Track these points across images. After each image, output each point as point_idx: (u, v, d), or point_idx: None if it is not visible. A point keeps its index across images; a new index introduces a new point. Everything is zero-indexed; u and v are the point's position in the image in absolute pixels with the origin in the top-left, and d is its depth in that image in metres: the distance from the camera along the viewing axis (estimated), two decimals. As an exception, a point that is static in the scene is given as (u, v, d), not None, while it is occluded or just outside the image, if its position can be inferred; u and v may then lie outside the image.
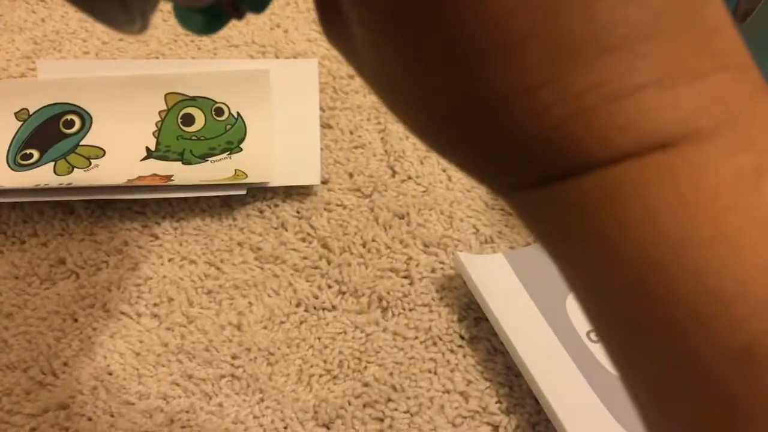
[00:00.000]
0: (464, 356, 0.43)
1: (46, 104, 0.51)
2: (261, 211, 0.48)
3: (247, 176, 0.48)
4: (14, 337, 0.42)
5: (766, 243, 0.14)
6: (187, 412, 0.40)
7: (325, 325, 0.43)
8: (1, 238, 0.47)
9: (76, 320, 0.43)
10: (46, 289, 0.45)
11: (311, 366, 0.42)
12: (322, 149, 0.51)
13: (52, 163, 0.49)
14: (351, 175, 0.50)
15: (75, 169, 0.49)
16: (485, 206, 0.49)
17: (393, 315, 0.44)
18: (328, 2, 0.17)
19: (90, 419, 0.40)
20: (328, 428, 0.40)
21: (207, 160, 0.50)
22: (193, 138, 0.51)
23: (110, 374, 0.41)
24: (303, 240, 0.47)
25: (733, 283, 0.14)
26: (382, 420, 0.40)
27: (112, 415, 0.40)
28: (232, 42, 0.57)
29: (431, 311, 0.45)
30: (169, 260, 0.46)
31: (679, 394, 0.15)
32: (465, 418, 0.40)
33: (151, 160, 0.50)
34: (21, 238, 0.47)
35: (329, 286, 0.45)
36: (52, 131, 0.51)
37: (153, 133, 0.51)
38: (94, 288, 0.44)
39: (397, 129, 0.53)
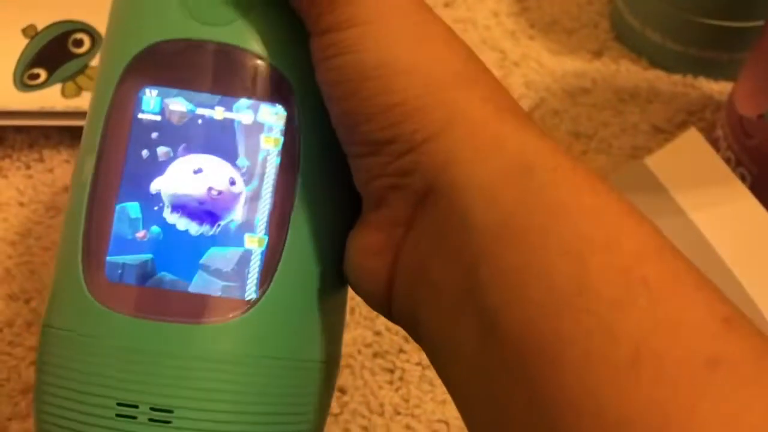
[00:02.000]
0: (482, 308, 0.41)
1: (54, 21, 0.49)
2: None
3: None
4: (17, 267, 0.41)
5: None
6: (190, 354, 0.38)
7: (337, 270, 0.42)
8: (7, 162, 0.45)
9: (80, 252, 0.42)
10: (51, 217, 0.43)
11: (321, 311, 0.40)
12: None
13: (60, 84, 0.47)
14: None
15: (83, 92, 0.46)
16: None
17: (409, 261, 0.42)
18: None
19: (91, 356, 0.38)
20: (335, 377, 0.38)
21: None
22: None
23: (113, 310, 0.40)
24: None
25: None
26: (392, 371, 0.38)
27: (113, 353, 0.38)
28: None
29: (450, 259, 0.42)
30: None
31: None
32: (479, 373, 0.39)
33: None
34: (26, 163, 0.45)
35: (344, 228, 0.43)
36: (60, 50, 0.48)
37: (166, 56, 0.48)
38: (100, 219, 0.43)
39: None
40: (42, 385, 0.23)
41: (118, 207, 0.23)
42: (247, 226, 0.23)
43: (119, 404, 0.22)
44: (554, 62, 0.50)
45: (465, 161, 0.20)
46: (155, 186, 0.23)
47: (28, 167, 0.45)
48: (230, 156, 0.23)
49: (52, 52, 0.48)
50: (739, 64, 0.44)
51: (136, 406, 0.22)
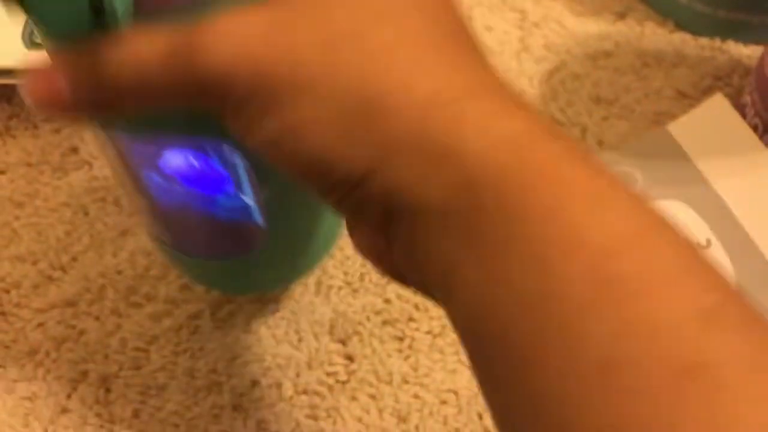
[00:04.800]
0: (495, 277, 0.40)
1: (63, -22, 0.48)
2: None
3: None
4: (24, 228, 0.41)
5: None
6: (196, 318, 0.38)
7: (346, 236, 0.41)
8: (14, 121, 0.44)
9: (87, 213, 0.41)
10: (57, 178, 0.42)
11: (331, 277, 0.39)
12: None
13: (69, 43, 0.46)
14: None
15: (92, 51, 0.45)
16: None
17: (422, 227, 0.41)
18: None
19: (97, 318, 0.38)
20: (344, 344, 0.38)
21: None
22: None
23: (119, 273, 0.39)
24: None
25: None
26: (401, 339, 0.38)
27: (119, 316, 0.38)
28: None
29: (463, 226, 0.41)
30: (187, 155, 0.43)
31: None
32: (491, 343, 0.38)
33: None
34: (34, 122, 0.44)
35: (355, 192, 0.42)
36: (69, 8, 0.47)
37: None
38: (107, 180, 0.42)
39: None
40: None
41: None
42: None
43: None
44: (576, 23, 0.48)
45: (409, 188, 0.19)
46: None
47: (36, 127, 0.44)
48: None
49: (61, 10, 0.47)
50: (770, 27, 0.42)
51: None
